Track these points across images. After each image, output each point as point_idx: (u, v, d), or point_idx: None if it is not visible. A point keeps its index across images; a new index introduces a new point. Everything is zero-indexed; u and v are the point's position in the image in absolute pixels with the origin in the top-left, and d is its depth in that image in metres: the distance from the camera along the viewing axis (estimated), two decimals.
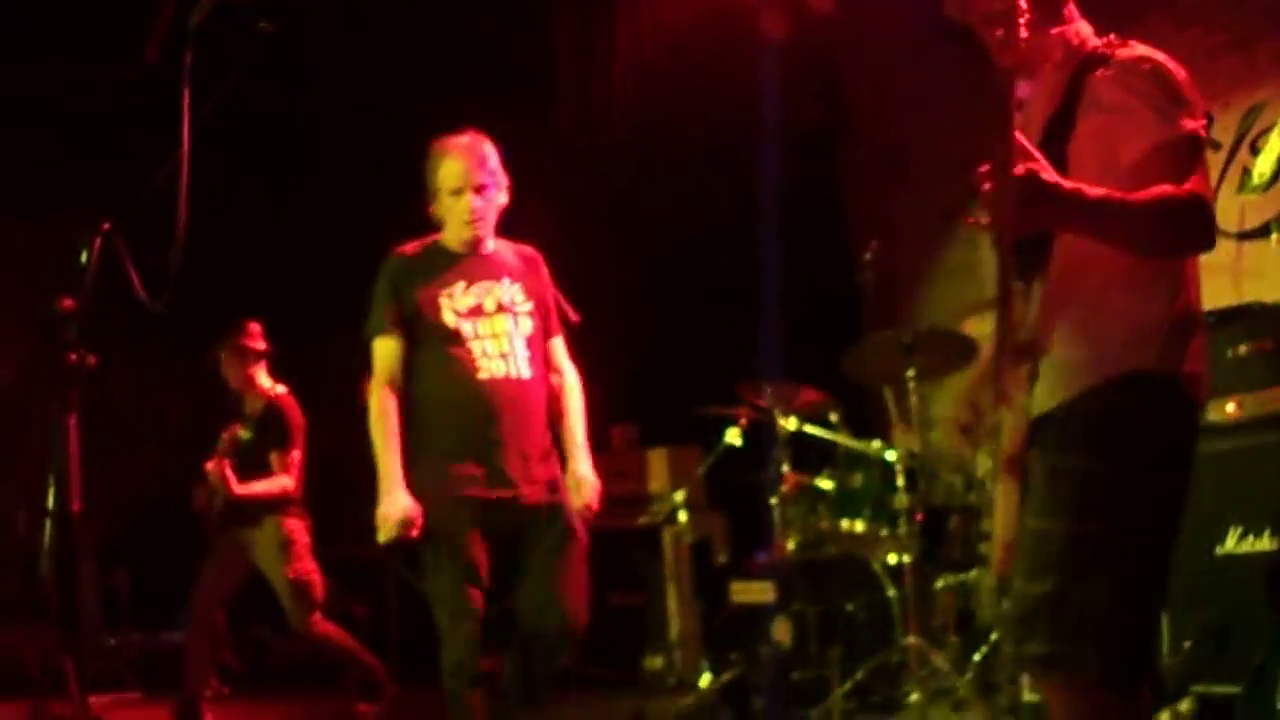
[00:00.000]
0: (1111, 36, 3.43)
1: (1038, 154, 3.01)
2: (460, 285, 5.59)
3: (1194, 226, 3.17)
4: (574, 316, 5.98)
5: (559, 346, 5.91)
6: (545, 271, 5.89)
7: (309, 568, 7.97)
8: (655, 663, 8.96)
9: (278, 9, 3.03)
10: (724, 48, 9.96)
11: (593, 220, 11.18)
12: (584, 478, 5.74)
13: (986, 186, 3.06)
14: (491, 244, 5.77)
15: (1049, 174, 2.99)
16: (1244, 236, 7.68)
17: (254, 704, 8.76)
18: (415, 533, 5.47)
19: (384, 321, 5.62)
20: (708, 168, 10.41)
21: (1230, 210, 7.70)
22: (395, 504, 5.45)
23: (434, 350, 5.54)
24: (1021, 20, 3.22)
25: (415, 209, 11.61)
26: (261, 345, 8.21)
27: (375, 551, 10.75)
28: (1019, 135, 3.01)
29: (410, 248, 5.78)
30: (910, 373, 7.37)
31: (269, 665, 10.62)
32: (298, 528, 7.99)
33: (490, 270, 5.67)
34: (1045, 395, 3.33)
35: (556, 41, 11.37)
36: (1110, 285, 3.28)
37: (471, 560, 5.44)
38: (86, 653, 9.59)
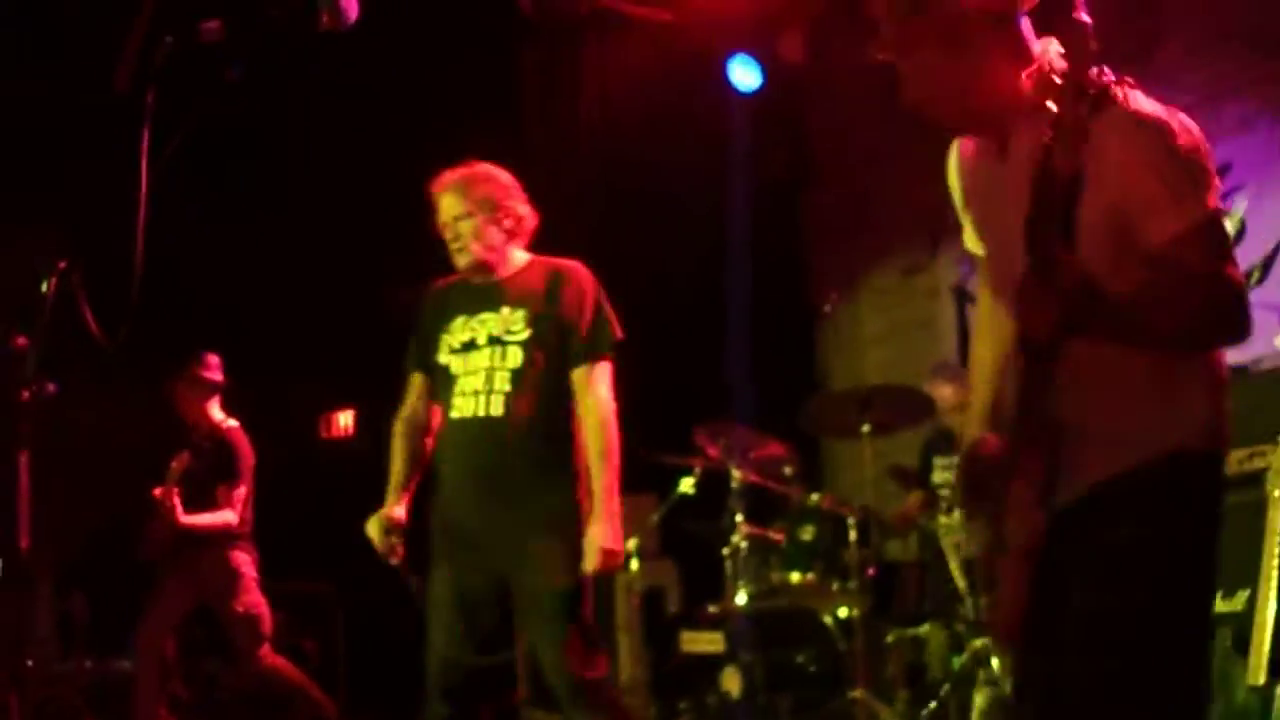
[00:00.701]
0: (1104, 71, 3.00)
1: (1078, 261, 2.78)
2: (460, 320, 5.45)
3: (1230, 321, 3.02)
4: (618, 334, 5.63)
5: (581, 376, 5.48)
6: (580, 288, 5.60)
7: (256, 600, 7.91)
8: None
9: (241, 46, 3.00)
10: (691, 92, 9.96)
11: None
12: (590, 541, 5.24)
13: (1024, 290, 2.85)
14: (514, 266, 5.63)
15: (1097, 286, 2.81)
16: None
17: None
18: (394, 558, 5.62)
19: (410, 357, 5.59)
20: (672, 212, 10.41)
21: None
22: (369, 524, 5.63)
23: (439, 388, 5.44)
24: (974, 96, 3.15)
25: (376, 244, 11.58)
26: (218, 377, 8.17)
27: (324, 586, 10.75)
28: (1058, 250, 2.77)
29: (442, 282, 5.71)
30: (865, 428, 7.36)
31: (218, 697, 10.52)
32: (245, 561, 7.94)
33: (495, 298, 5.47)
34: (1079, 479, 3.16)
35: (522, 84, 11.36)
36: (1148, 366, 3.11)
37: (449, 598, 5.40)
38: (39, 681, 9.50)
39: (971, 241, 3.56)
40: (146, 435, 9.15)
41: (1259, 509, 5.24)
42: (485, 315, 5.43)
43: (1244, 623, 5.21)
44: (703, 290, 9.85)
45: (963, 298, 8.33)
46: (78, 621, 11.23)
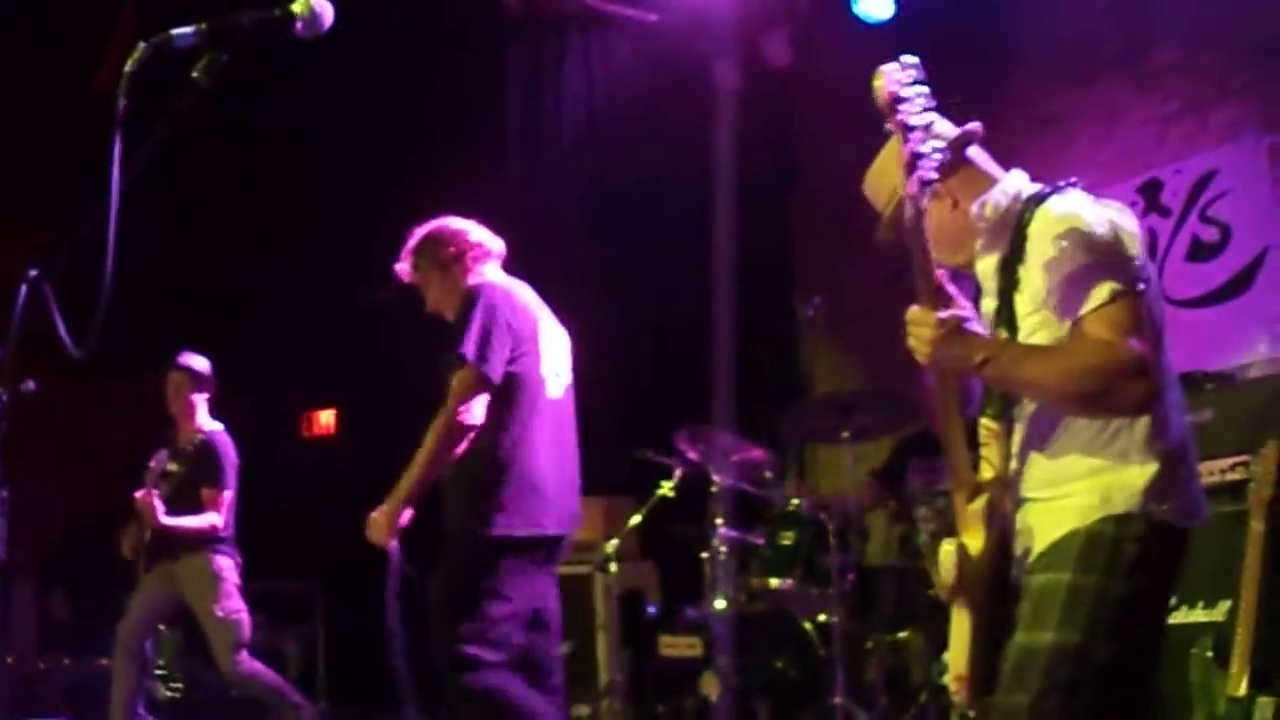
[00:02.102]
0: (1040, 189, 3.55)
1: (965, 302, 3.23)
2: None
3: (1122, 388, 3.21)
4: (466, 349, 5.80)
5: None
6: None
7: (236, 606, 7.87)
8: (582, 712, 8.87)
9: (215, 51, 2.97)
10: (676, 93, 9.93)
11: (540, 265, 11.13)
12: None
13: (910, 319, 3.26)
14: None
15: (972, 325, 3.19)
16: (1185, 305, 7.69)
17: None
18: None
19: None
20: (656, 212, 10.39)
21: (1175, 277, 7.71)
22: None
23: None
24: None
25: (358, 244, 11.54)
26: (208, 373, 8.13)
27: (304, 585, 10.72)
28: (943, 280, 3.23)
29: None
30: (846, 433, 7.35)
31: (197, 697, 10.50)
32: (226, 566, 7.91)
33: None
34: (1030, 536, 3.46)
35: (507, 84, 11.33)
36: (1088, 432, 3.37)
37: None
38: (22, 677, 9.47)
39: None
40: (128, 434, 9.12)
41: (1240, 520, 5.23)
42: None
43: (1225, 633, 5.20)
44: (686, 292, 9.83)
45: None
46: (59, 619, 11.22)
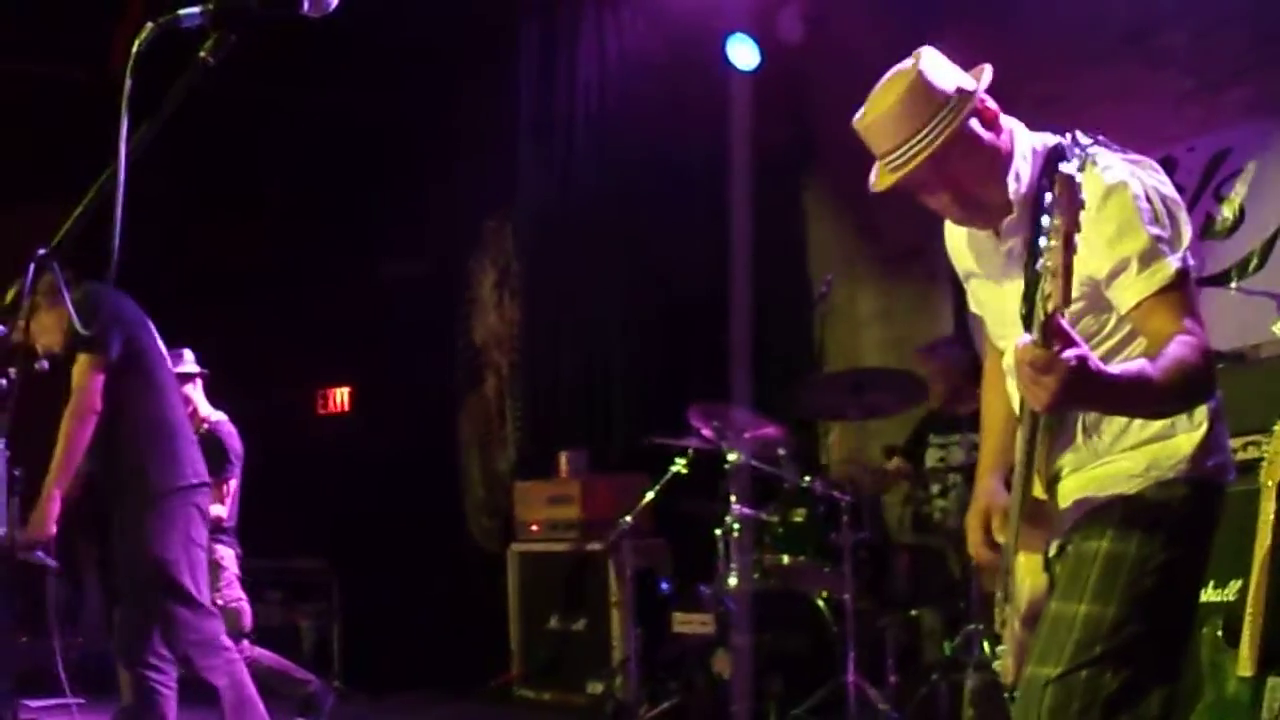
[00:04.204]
0: (1075, 139, 3.28)
1: (1079, 341, 2.83)
2: None
3: (1206, 388, 3.17)
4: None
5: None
6: None
7: (237, 595, 7.90)
8: (596, 688, 8.89)
9: (223, 31, 2.97)
10: (690, 71, 9.91)
11: (555, 242, 11.14)
12: None
13: (1029, 362, 2.84)
14: None
15: (1095, 362, 2.86)
16: (1201, 283, 7.66)
17: (190, 712, 8.62)
18: None
19: None
20: (671, 190, 10.38)
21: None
22: None
23: None
24: (965, 181, 3.36)
25: (372, 220, 11.54)
26: (193, 368, 8.07)
27: (319, 563, 10.75)
28: (1062, 321, 2.80)
29: None
30: (857, 411, 7.35)
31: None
32: (227, 556, 7.92)
33: None
34: (1070, 503, 3.41)
35: (520, 62, 11.32)
36: None
37: None
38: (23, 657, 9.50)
39: (975, 306, 3.83)
40: None
41: (1252, 499, 5.22)
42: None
43: (1235, 613, 5.20)
44: (701, 269, 9.82)
45: (960, 280, 8.30)
46: (75, 602, 11.27)
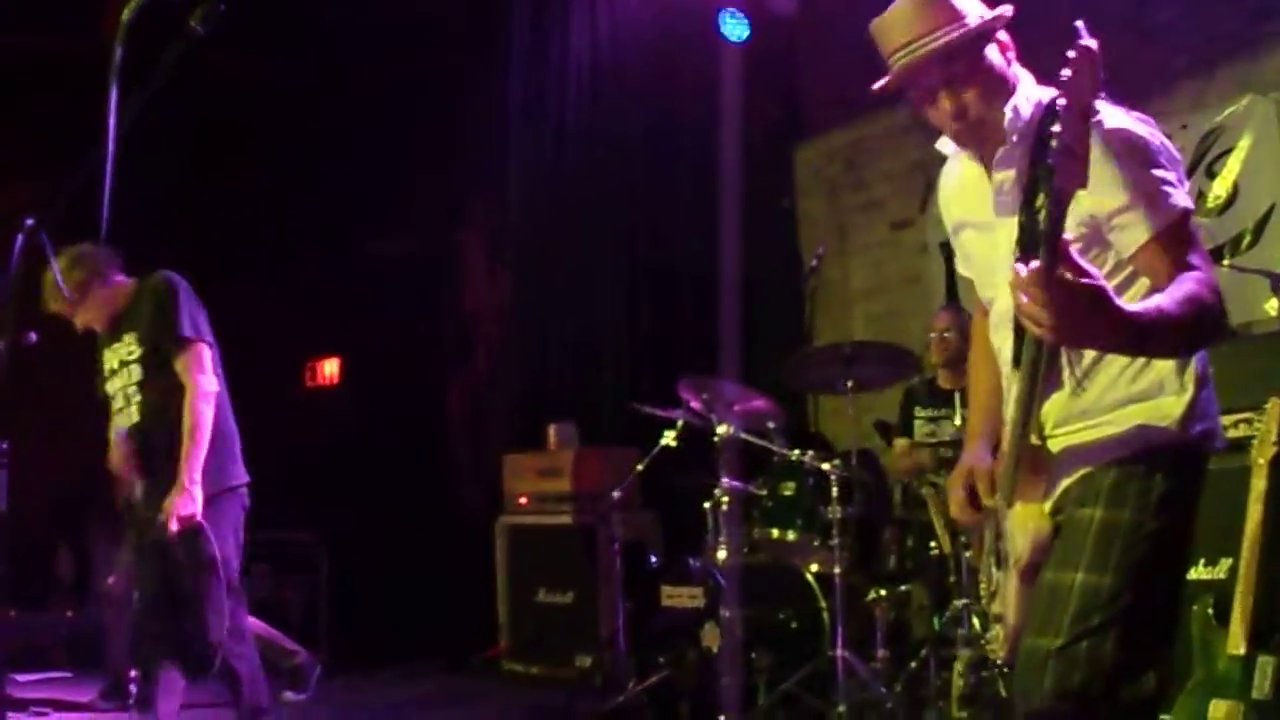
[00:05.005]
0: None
1: (1093, 270, 2.75)
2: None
3: (1219, 326, 3.11)
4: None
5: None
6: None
7: None
8: (584, 661, 8.89)
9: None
10: (681, 44, 9.89)
11: (546, 215, 11.13)
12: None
13: (1030, 290, 2.74)
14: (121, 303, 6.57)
15: (1112, 294, 2.78)
16: None
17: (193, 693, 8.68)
18: None
19: None
20: (663, 163, 10.36)
21: None
22: None
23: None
24: (969, 94, 3.33)
25: (361, 194, 11.50)
26: None
27: (307, 535, 10.74)
28: (1071, 249, 2.71)
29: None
30: (849, 383, 7.33)
31: None
32: None
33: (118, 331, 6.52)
34: (1060, 468, 3.38)
35: (512, 34, 11.29)
36: (1120, 362, 3.32)
37: None
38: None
39: (963, 265, 3.80)
40: None
41: (1243, 476, 5.23)
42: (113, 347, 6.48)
43: (1226, 590, 5.20)
44: (692, 242, 9.81)
45: (951, 253, 8.30)
46: (63, 574, 11.28)
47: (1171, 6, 8.00)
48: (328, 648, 10.10)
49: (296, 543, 10.74)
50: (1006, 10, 3.41)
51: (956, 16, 3.32)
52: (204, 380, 6.21)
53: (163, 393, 6.27)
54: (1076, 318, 2.73)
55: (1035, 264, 2.71)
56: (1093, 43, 2.70)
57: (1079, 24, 2.70)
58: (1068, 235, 2.70)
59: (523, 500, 9.93)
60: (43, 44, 10.55)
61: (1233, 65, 7.74)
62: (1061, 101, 2.68)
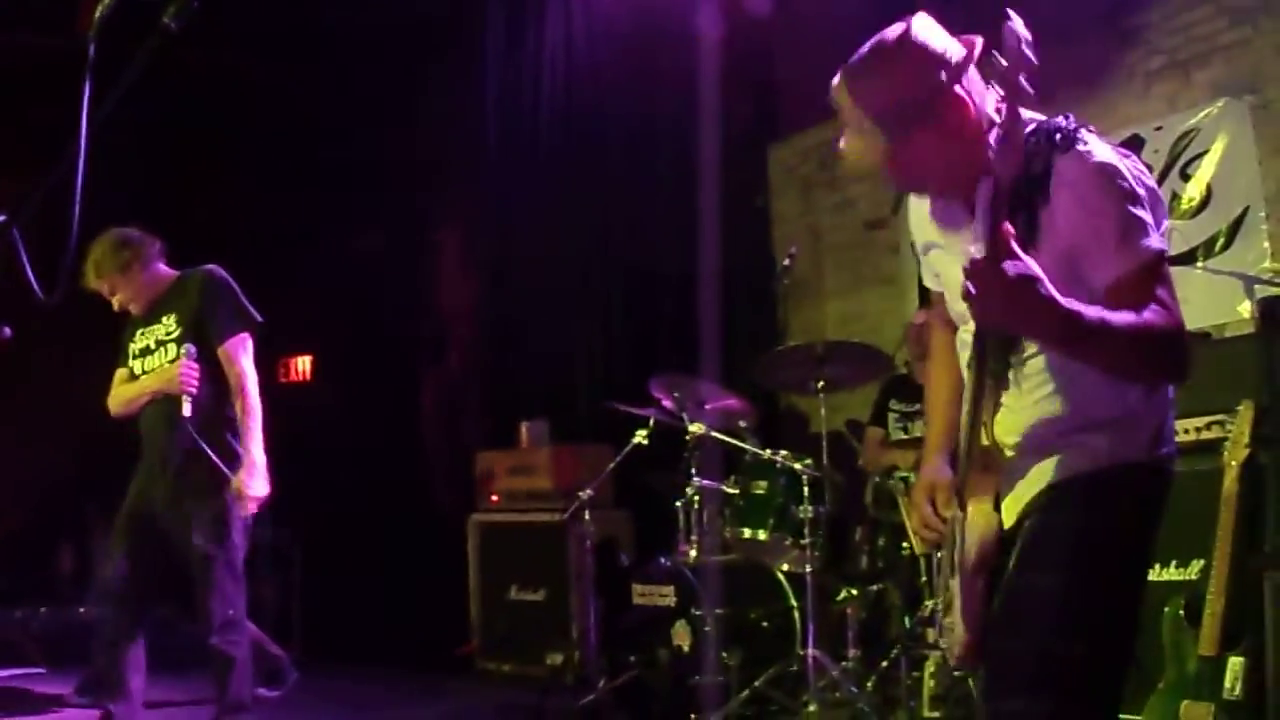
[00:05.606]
0: (1066, 117, 3.29)
1: (1032, 261, 2.83)
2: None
3: (1171, 361, 3.13)
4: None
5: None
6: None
7: None
8: (555, 659, 8.88)
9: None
10: (656, 45, 9.89)
11: (521, 213, 11.12)
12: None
13: (973, 283, 2.86)
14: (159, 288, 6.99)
15: (1047, 284, 2.85)
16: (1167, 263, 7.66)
17: (158, 682, 8.65)
18: None
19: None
20: (638, 163, 10.36)
21: None
22: None
23: None
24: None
25: (335, 189, 11.48)
26: None
27: (281, 532, 10.71)
28: (1011, 237, 2.81)
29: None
30: (820, 384, 7.34)
31: (173, 644, 10.53)
32: None
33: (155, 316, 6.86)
34: (1028, 486, 3.37)
35: (486, 31, 11.29)
36: (1093, 380, 3.26)
37: None
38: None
39: (931, 281, 3.79)
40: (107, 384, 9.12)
41: (1215, 478, 5.24)
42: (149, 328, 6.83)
43: (1197, 592, 5.22)
44: (666, 241, 9.81)
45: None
46: (64, 572, 11.27)
47: (1147, 9, 8.01)
48: (301, 644, 10.07)
49: (269, 540, 10.71)
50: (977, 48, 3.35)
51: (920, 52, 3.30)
52: (249, 370, 6.79)
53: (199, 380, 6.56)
54: (1008, 297, 2.81)
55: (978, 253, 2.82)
56: (1020, 26, 2.81)
57: (1009, 10, 2.78)
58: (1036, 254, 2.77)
59: (495, 498, 9.93)
60: (18, 41, 10.51)
61: (1208, 68, 7.75)
62: (999, 93, 2.78)
